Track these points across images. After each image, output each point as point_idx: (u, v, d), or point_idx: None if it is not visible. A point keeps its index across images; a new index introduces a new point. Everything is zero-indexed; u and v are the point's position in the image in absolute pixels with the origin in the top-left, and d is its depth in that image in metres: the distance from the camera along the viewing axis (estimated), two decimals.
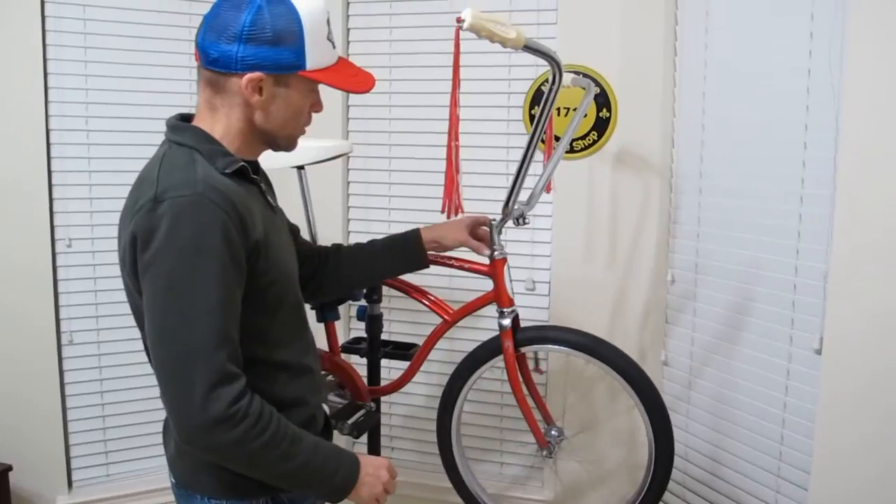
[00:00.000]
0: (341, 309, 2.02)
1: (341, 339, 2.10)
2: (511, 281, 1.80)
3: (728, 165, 2.01)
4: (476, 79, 2.31)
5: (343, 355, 2.04)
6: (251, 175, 1.23)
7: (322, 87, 1.24)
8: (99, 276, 2.46)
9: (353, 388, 1.98)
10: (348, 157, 2.53)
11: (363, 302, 2.01)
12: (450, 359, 2.38)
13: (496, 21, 1.42)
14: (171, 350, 1.09)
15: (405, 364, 1.98)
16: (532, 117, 2.33)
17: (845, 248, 1.62)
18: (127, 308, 1.21)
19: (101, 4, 2.37)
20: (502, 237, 1.79)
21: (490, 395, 2.46)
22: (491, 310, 1.82)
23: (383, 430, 2.52)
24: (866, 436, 1.61)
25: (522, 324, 1.83)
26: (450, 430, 1.96)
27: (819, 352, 1.72)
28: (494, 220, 1.78)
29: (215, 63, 1.16)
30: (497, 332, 1.81)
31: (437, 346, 1.93)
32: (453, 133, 1.57)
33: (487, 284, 1.80)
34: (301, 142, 1.31)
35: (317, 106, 1.27)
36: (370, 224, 2.57)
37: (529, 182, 1.78)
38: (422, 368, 1.96)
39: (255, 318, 1.19)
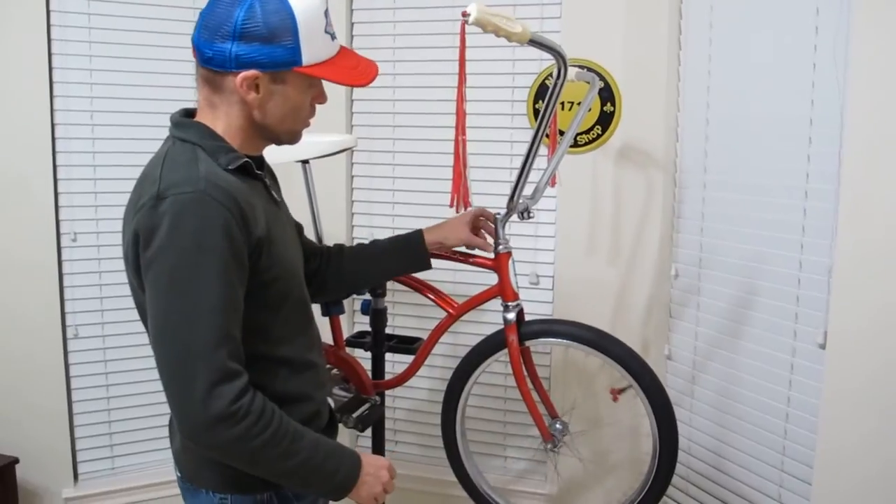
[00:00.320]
0: (346, 303, 2.02)
1: (346, 333, 2.11)
2: (516, 275, 1.80)
3: (732, 160, 2.00)
4: (480, 73, 2.31)
5: (347, 349, 2.05)
6: (254, 171, 1.23)
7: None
8: (104, 269, 2.47)
9: (357, 382, 1.98)
10: (352, 152, 2.53)
11: (367, 296, 2.01)
12: (454, 353, 2.39)
13: (501, 15, 1.42)
14: (172, 348, 1.10)
15: (409, 358, 1.99)
16: (536, 111, 2.33)
17: (849, 242, 1.62)
18: (132, 302, 1.21)
19: None
20: (506, 231, 1.79)
21: (494, 388, 2.46)
22: (495, 304, 1.82)
23: (387, 424, 2.53)
24: (870, 430, 1.61)
25: (526, 317, 1.84)
26: (454, 423, 1.97)
27: (823, 346, 1.72)
28: (499, 214, 1.78)
29: (211, 62, 1.15)
30: (501, 326, 1.81)
31: (441, 340, 1.93)
32: (460, 127, 1.57)
33: (492, 278, 1.80)
34: (305, 136, 1.30)
35: (320, 98, 1.26)
36: (374, 218, 2.57)
37: (533, 176, 1.78)
38: (426, 362, 1.96)
39: (257, 315, 1.19)
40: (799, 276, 1.81)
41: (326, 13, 1.20)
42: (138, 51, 2.42)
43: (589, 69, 2.13)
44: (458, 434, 1.98)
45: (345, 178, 2.55)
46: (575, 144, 2.28)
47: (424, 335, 2.00)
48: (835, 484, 1.68)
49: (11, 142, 2.33)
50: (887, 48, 1.53)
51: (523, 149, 1.74)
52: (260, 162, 1.29)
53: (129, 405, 2.55)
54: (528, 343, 1.84)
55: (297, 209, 1.56)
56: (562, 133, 2.01)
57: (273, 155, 1.33)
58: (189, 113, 1.25)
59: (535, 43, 1.51)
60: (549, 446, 1.90)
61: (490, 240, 1.77)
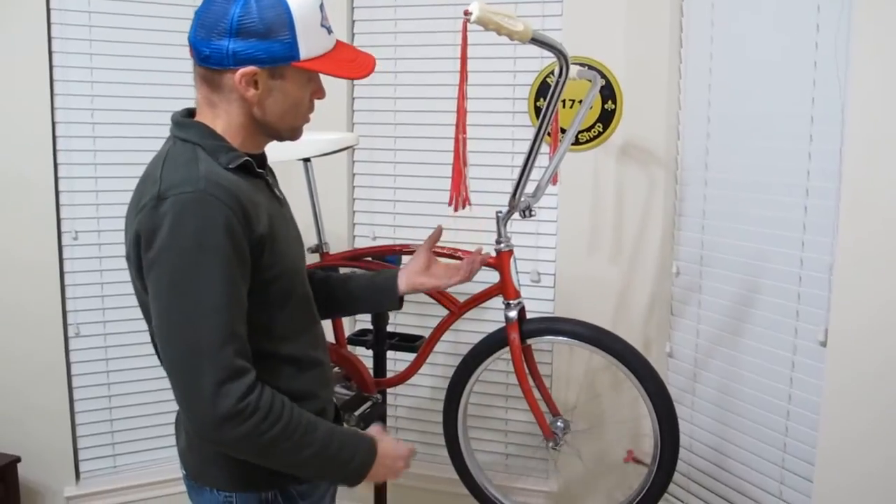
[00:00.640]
0: None
1: (347, 331, 2.11)
2: (517, 273, 1.80)
3: (733, 158, 2.00)
4: (481, 71, 2.31)
5: (349, 347, 2.05)
6: (255, 169, 1.22)
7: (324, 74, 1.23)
8: (105, 268, 2.47)
9: (359, 380, 1.99)
10: (353, 150, 2.53)
11: None
12: (456, 351, 2.39)
13: (503, 14, 1.42)
14: (178, 348, 1.10)
15: (411, 356, 1.99)
16: (537, 110, 2.33)
17: (851, 240, 1.62)
18: (133, 300, 1.21)
19: None
20: (508, 229, 1.79)
21: (496, 386, 2.46)
22: (497, 302, 1.83)
23: (389, 422, 2.54)
24: (871, 427, 1.61)
25: (528, 315, 1.84)
26: (455, 421, 1.97)
27: (824, 344, 1.72)
28: (500, 212, 1.78)
29: (208, 60, 1.15)
30: (503, 324, 1.81)
31: (443, 338, 1.94)
32: (461, 125, 1.57)
33: (493, 276, 1.80)
34: (307, 134, 1.30)
35: (318, 93, 1.25)
36: (375, 216, 2.57)
37: (535, 174, 1.78)
38: (428, 360, 1.97)
39: (261, 312, 1.19)
40: (800, 274, 1.81)
41: (322, 7, 1.19)
42: (139, 49, 2.42)
43: (590, 67, 2.13)
44: (459, 432, 1.98)
45: (346, 176, 2.55)
46: (576, 142, 2.28)
47: (426, 333, 2.00)
48: (836, 481, 1.69)
49: (12, 141, 2.33)
50: (888, 46, 1.53)
51: (524, 147, 1.74)
52: (262, 160, 1.29)
53: (130, 403, 2.55)
54: (529, 341, 1.84)
55: (299, 207, 1.56)
56: (563, 131, 2.01)
57: (274, 153, 1.33)
58: (191, 112, 1.24)
59: (537, 41, 1.51)
60: (550, 444, 1.90)
61: (447, 273, 1.61)
